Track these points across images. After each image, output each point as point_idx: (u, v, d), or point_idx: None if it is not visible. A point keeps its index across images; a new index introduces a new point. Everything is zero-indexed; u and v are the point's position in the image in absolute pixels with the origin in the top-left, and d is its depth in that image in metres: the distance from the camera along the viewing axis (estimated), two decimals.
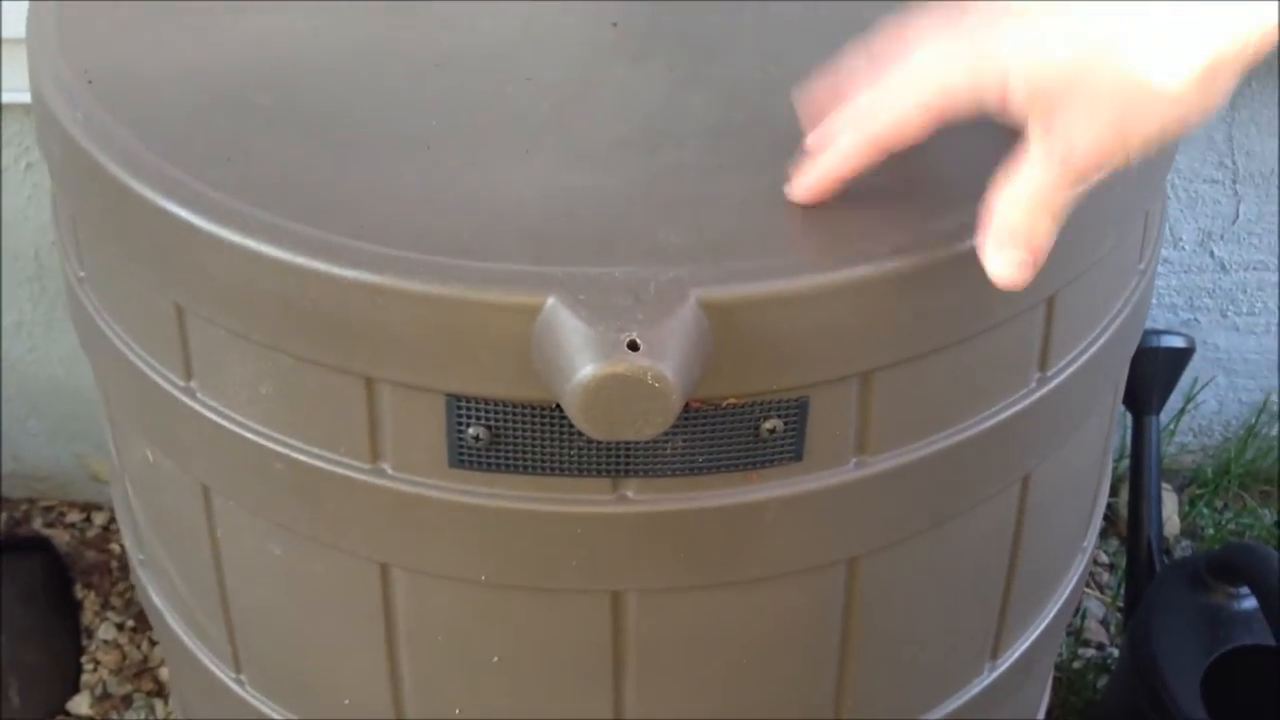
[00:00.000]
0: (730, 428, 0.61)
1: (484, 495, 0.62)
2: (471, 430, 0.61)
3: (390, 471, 0.63)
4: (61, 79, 0.70)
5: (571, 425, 0.59)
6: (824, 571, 0.67)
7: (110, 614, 1.57)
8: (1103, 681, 1.53)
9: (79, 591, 1.57)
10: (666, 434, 0.59)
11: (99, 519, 1.64)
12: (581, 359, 0.54)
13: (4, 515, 1.62)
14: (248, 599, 0.75)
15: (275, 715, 0.78)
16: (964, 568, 0.73)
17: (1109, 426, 0.83)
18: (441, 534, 0.64)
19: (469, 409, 0.60)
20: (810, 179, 0.61)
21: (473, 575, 0.65)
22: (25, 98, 1.25)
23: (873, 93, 0.59)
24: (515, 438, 0.61)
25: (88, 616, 1.56)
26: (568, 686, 0.69)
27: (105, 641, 1.55)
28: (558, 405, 0.58)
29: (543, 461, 0.61)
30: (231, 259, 0.60)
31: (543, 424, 0.60)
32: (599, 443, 0.60)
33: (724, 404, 0.60)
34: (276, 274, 0.59)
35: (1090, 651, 1.58)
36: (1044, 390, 0.68)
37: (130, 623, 1.57)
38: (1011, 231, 0.56)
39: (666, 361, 0.54)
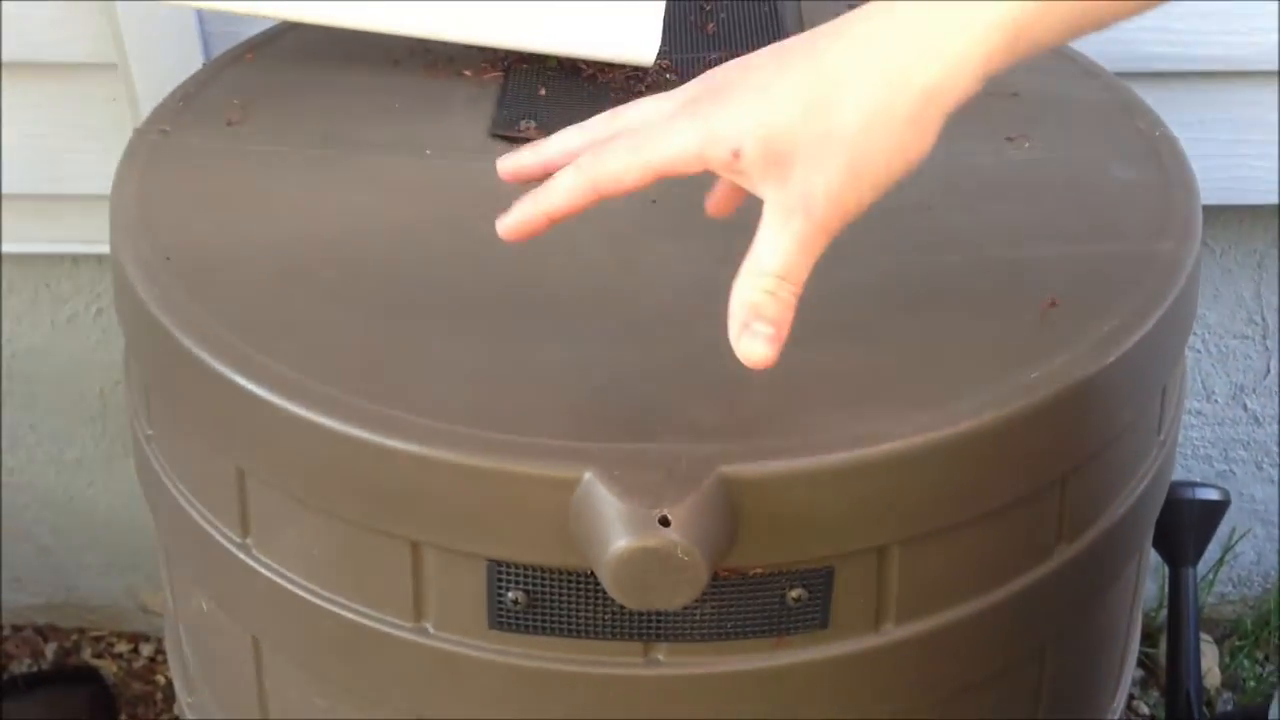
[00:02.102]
0: (757, 596, 0.63)
1: (521, 656, 0.65)
2: (511, 594, 0.64)
3: (432, 631, 0.66)
4: (140, 252, 0.75)
5: (606, 592, 0.62)
6: None
7: None
8: None
9: None
10: (696, 602, 0.62)
11: (146, 650, 1.67)
12: (615, 533, 0.57)
13: (55, 645, 1.66)
14: None
15: None
16: None
17: (1135, 591, 0.85)
18: (479, 692, 0.67)
19: (509, 574, 0.63)
20: (522, 212, 0.61)
21: None
22: (89, 249, 1.33)
23: (604, 149, 0.59)
24: (552, 602, 0.64)
25: None
26: None
27: None
28: (593, 573, 0.61)
29: (578, 625, 0.64)
30: (291, 429, 0.64)
31: (579, 590, 0.63)
32: (632, 609, 0.63)
33: (751, 573, 0.63)
34: (332, 444, 0.64)
35: None
36: (1063, 561, 0.70)
37: None
38: (752, 307, 0.58)
39: (695, 536, 0.57)
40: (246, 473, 0.69)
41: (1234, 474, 1.55)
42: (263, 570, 0.70)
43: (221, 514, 0.72)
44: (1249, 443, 1.53)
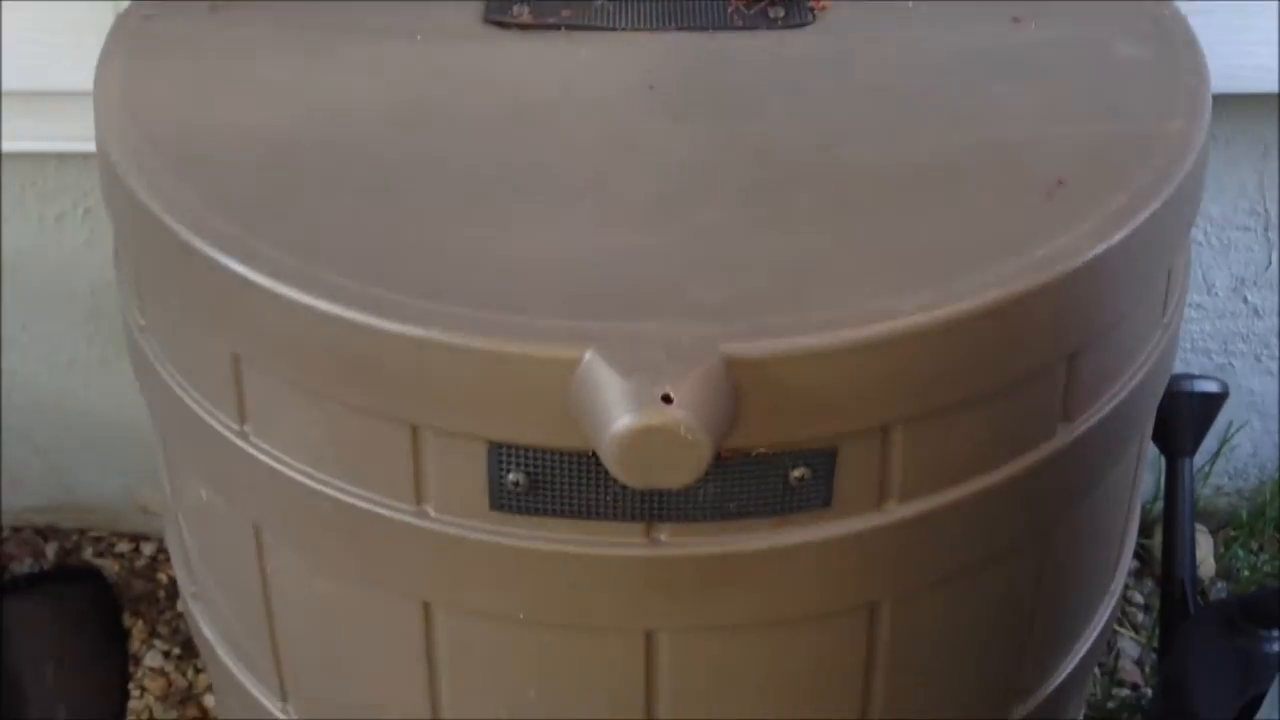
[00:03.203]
0: (760, 476, 0.63)
1: (522, 537, 0.65)
2: (511, 476, 0.63)
3: (433, 514, 0.66)
4: (127, 139, 0.74)
5: (607, 472, 0.62)
6: (850, 615, 0.69)
7: (157, 642, 1.60)
8: None
9: (127, 620, 1.60)
10: (698, 481, 0.62)
11: (147, 549, 1.68)
12: (617, 411, 0.57)
13: (56, 545, 1.67)
14: (295, 632, 0.77)
15: None
16: (989, 613, 0.75)
17: (1135, 476, 0.85)
18: (481, 574, 0.67)
19: (509, 455, 0.63)
20: None
21: (511, 613, 0.68)
22: (74, 146, 1.30)
23: None
24: (553, 483, 0.63)
25: (135, 644, 1.59)
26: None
27: (152, 669, 1.58)
28: (594, 453, 0.61)
29: (580, 506, 0.64)
30: (285, 312, 0.63)
31: (580, 471, 0.63)
32: (634, 489, 0.63)
33: (754, 453, 0.63)
34: (327, 327, 0.63)
35: (1125, 691, 1.58)
36: (1067, 441, 0.70)
37: (176, 651, 1.60)
38: None
39: (698, 414, 0.57)
40: (242, 359, 0.68)
41: (1233, 367, 1.55)
42: (261, 457, 0.70)
43: (218, 402, 0.71)
44: (1248, 335, 1.53)
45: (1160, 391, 0.80)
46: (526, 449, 0.62)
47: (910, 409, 0.63)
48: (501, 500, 0.64)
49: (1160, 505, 1.44)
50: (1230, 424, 1.59)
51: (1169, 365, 0.81)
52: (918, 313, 0.61)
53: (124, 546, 1.68)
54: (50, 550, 1.67)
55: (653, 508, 0.64)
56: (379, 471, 0.66)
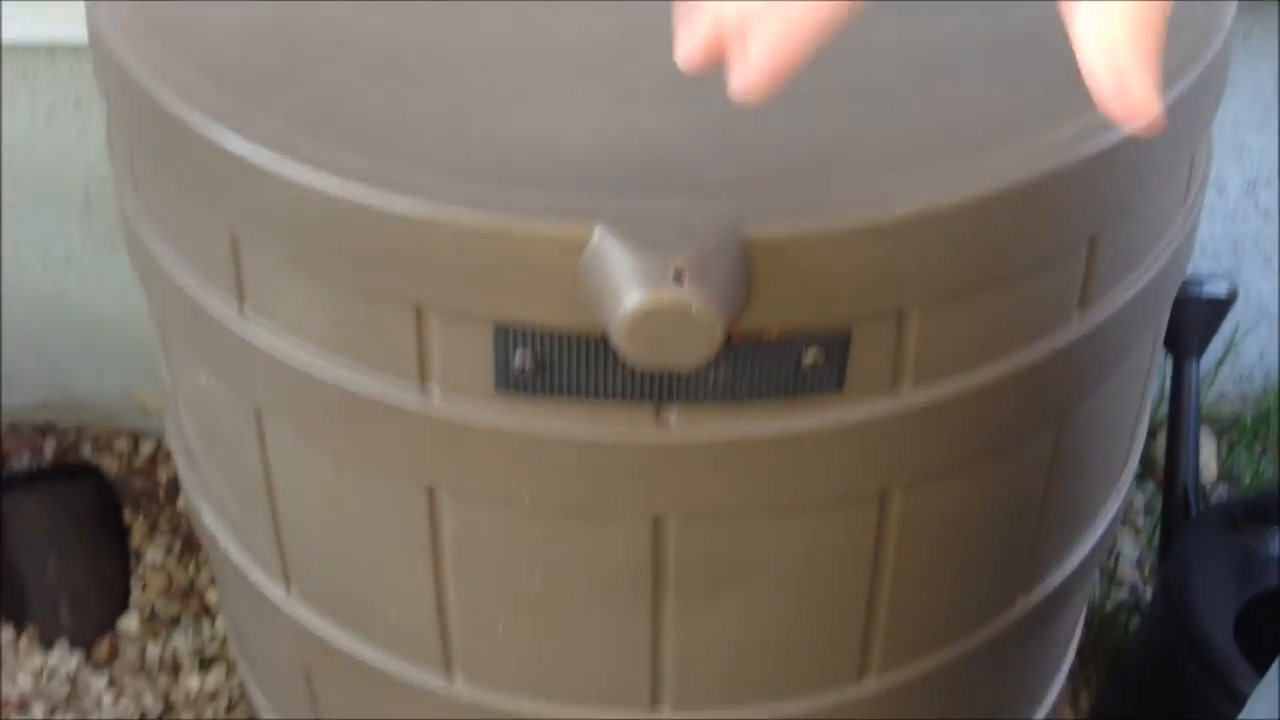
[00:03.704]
0: (772, 359, 0.62)
1: (529, 420, 0.64)
2: (518, 357, 0.62)
3: (438, 396, 0.65)
4: (117, 13, 0.71)
5: (616, 354, 0.61)
6: (860, 502, 0.68)
7: (158, 538, 1.61)
8: (1135, 623, 1.54)
9: (127, 517, 1.60)
10: (710, 364, 0.61)
11: (146, 448, 1.68)
12: (628, 289, 0.55)
13: (54, 443, 1.66)
14: (298, 518, 0.77)
15: (323, 627, 0.81)
16: (999, 503, 0.75)
17: (1149, 369, 0.84)
18: (487, 458, 0.66)
19: (516, 337, 0.61)
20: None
21: (516, 499, 0.67)
22: (64, 38, 1.27)
23: None
24: (561, 364, 0.62)
25: (136, 541, 1.60)
26: (607, 608, 0.71)
27: (153, 565, 1.59)
28: (603, 334, 0.60)
29: (587, 388, 0.62)
30: (283, 190, 0.62)
31: (588, 352, 0.61)
32: (643, 371, 0.61)
33: (766, 336, 0.61)
34: (327, 205, 0.61)
35: (1123, 593, 1.59)
36: (1084, 329, 0.69)
37: (178, 547, 1.61)
38: (1124, 46, 0.40)
39: (711, 293, 0.55)
40: (240, 239, 0.67)
41: (1242, 270, 1.54)
42: (261, 339, 0.68)
43: (216, 283, 0.70)
44: (1259, 239, 1.51)
45: (1178, 282, 0.79)
46: (533, 330, 0.61)
47: (927, 292, 0.62)
48: (508, 382, 0.63)
49: (1163, 409, 1.44)
50: (1237, 327, 1.58)
51: (1187, 255, 0.79)
52: (939, 193, 0.59)
53: (123, 445, 1.67)
54: (48, 448, 1.66)
55: (662, 390, 0.62)
56: (382, 354, 0.65)
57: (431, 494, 0.68)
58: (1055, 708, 1.09)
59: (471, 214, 0.59)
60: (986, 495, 0.73)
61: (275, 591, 0.84)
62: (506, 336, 0.62)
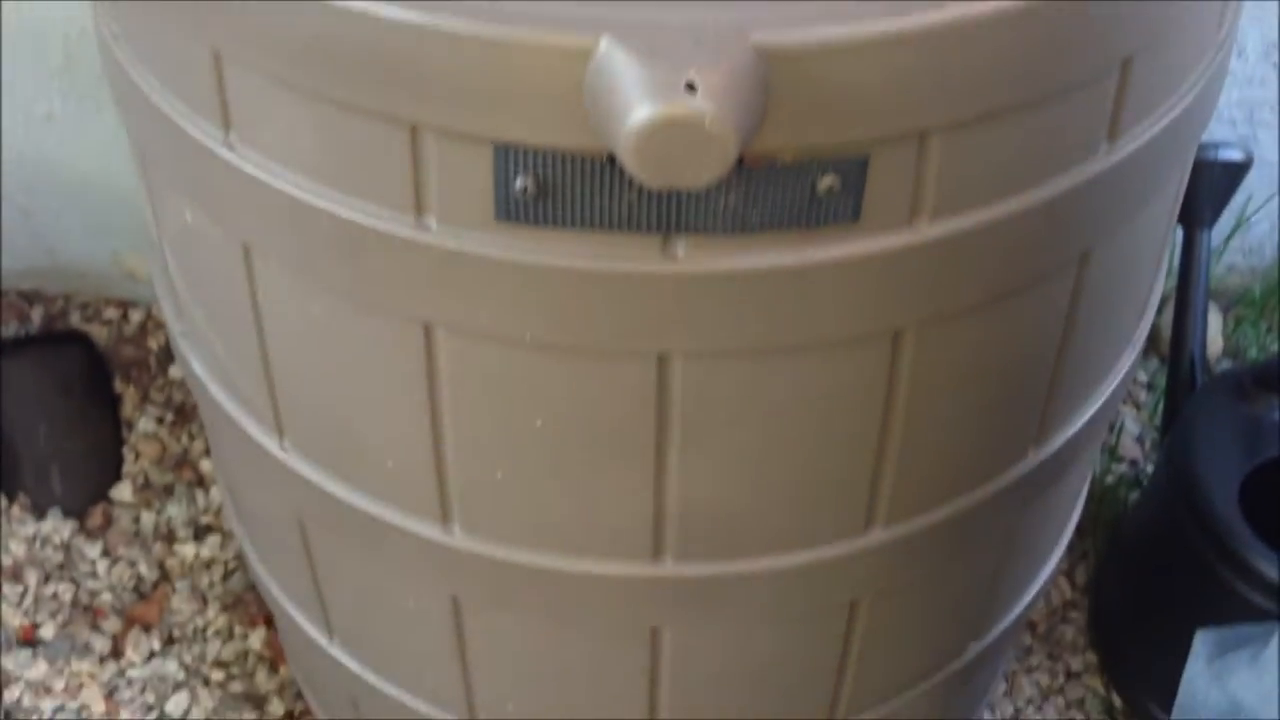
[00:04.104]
0: (786, 185, 0.59)
1: (530, 251, 0.61)
2: (519, 181, 0.59)
3: (434, 226, 0.62)
4: None
5: (622, 177, 0.57)
6: (872, 342, 0.66)
7: (150, 408, 1.59)
8: (1135, 497, 1.53)
9: (118, 385, 1.58)
10: (720, 189, 0.58)
11: (136, 317, 1.65)
12: (637, 100, 0.52)
13: (41, 311, 1.63)
14: (290, 363, 0.74)
15: (318, 478, 0.79)
16: (1015, 348, 0.72)
17: (1170, 216, 0.81)
18: (486, 292, 0.63)
19: (517, 158, 0.58)
20: None
21: (517, 335, 0.64)
22: None
23: None
24: (564, 189, 0.59)
25: (127, 410, 1.58)
26: (610, 452, 0.69)
27: (145, 434, 1.57)
28: (609, 156, 0.56)
29: (592, 215, 0.59)
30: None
31: (593, 175, 0.58)
32: (650, 196, 0.58)
33: (780, 160, 0.58)
34: (316, 14, 0.57)
35: (1123, 467, 1.58)
36: (1111, 161, 0.65)
37: (170, 417, 1.59)
38: None
39: (725, 105, 0.52)
40: (224, 57, 0.63)
41: (1257, 139, 1.50)
42: (248, 167, 0.65)
43: (200, 108, 0.66)
44: (1276, 105, 1.47)
45: (1207, 121, 0.76)
46: (535, 150, 0.58)
47: (950, 114, 0.59)
48: (508, 209, 0.60)
49: (1171, 283, 1.41)
50: (1249, 199, 1.54)
51: (1217, 92, 0.75)
52: (968, 3, 0.56)
53: (112, 313, 1.64)
54: (36, 315, 1.63)
55: (670, 218, 0.59)
56: (376, 180, 0.62)
57: (428, 331, 0.66)
58: (1053, 578, 1.08)
59: (469, 23, 0.55)
60: (1003, 339, 0.70)
61: (269, 443, 0.81)
62: (507, 159, 0.58)
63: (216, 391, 0.84)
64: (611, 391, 0.66)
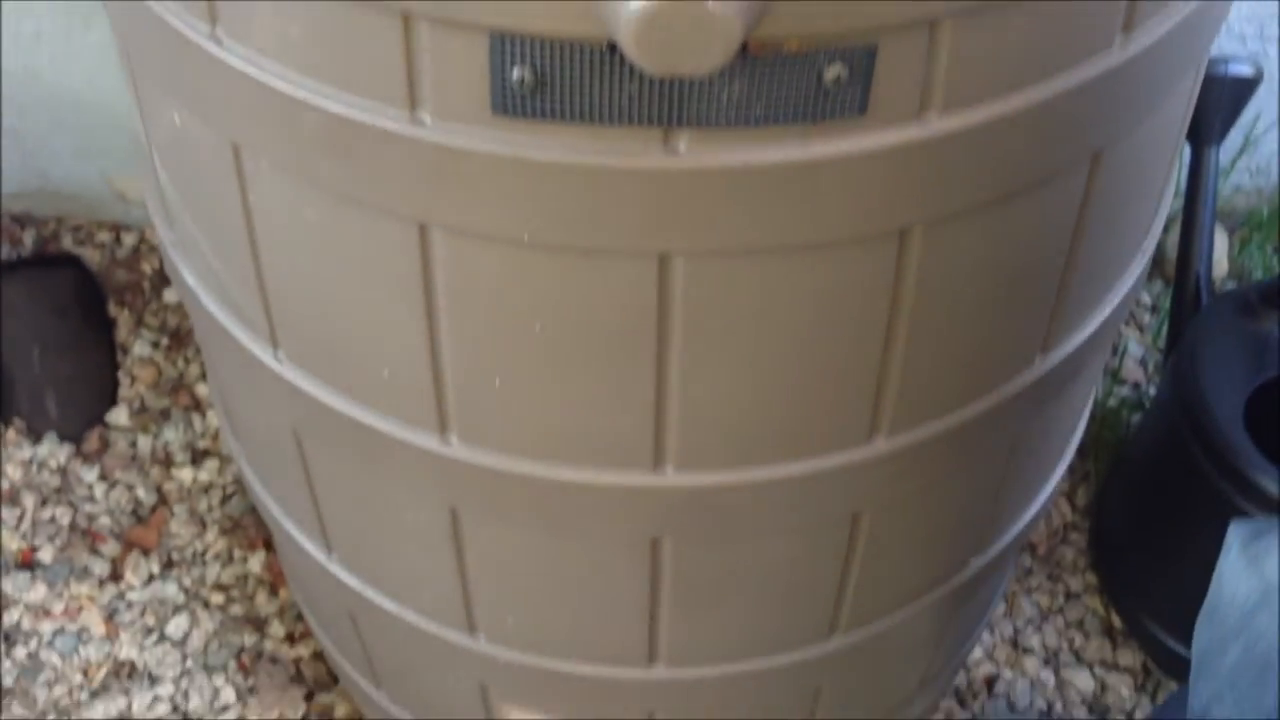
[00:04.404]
0: (791, 75, 0.57)
1: (528, 146, 0.59)
2: (516, 72, 0.57)
3: (429, 121, 0.60)
4: None
5: (623, 66, 0.56)
6: (878, 242, 0.64)
7: (145, 332, 1.57)
8: (1137, 419, 1.53)
9: (112, 310, 1.57)
10: (723, 79, 0.56)
11: (129, 240, 1.63)
12: None
13: (33, 234, 1.61)
14: (283, 269, 0.73)
15: (314, 390, 0.78)
16: (1023, 251, 0.71)
17: (1183, 120, 0.79)
18: (483, 189, 0.61)
19: (514, 48, 0.56)
20: None
21: (515, 235, 0.63)
22: None
23: None
24: (562, 80, 0.57)
25: (122, 334, 1.56)
26: (611, 357, 0.68)
27: (141, 358, 1.56)
28: (609, 44, 0.55)
29: (591, 107, 0.58)
30: None
31: (592, 65, 0.56)
32: (651, 86, 0.56)
33: (786, 49, 0.56)
34: None
35: (1126, 390, 1.57)
36: (1126, 55, 0.63)
37: (165, 341, 1.57)
38: None
39: None
40: None
41: (1267, 55, 1.47)
42: (236, 62, 0.63)
43: (186, 1, 0.64)
44: None
45: (1220, 22, 0.74)
46: (533, 38, 0.56)
47: (962, 1, 0.57)
48: (505, 102, 0.58)
49: (1177, 204, 1.39)
50: (1257, 117, 1.52)
51: None
52: None
53: (104, 236, 1.63)
54: (28, 239, 1.61)
55: (672, 111, 0.58)
56: (368, 73, 0.60)
57: (424, 232, 0.64)
58: (1055, 494, 1.07)
59: None
60: (1012, 241, 0.69)
61: (263, 354, 0.80)
62: (503, 48, 0.56)
63: (210, 303, 0.82)
64: (612, 293, 0.65)
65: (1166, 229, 1.57)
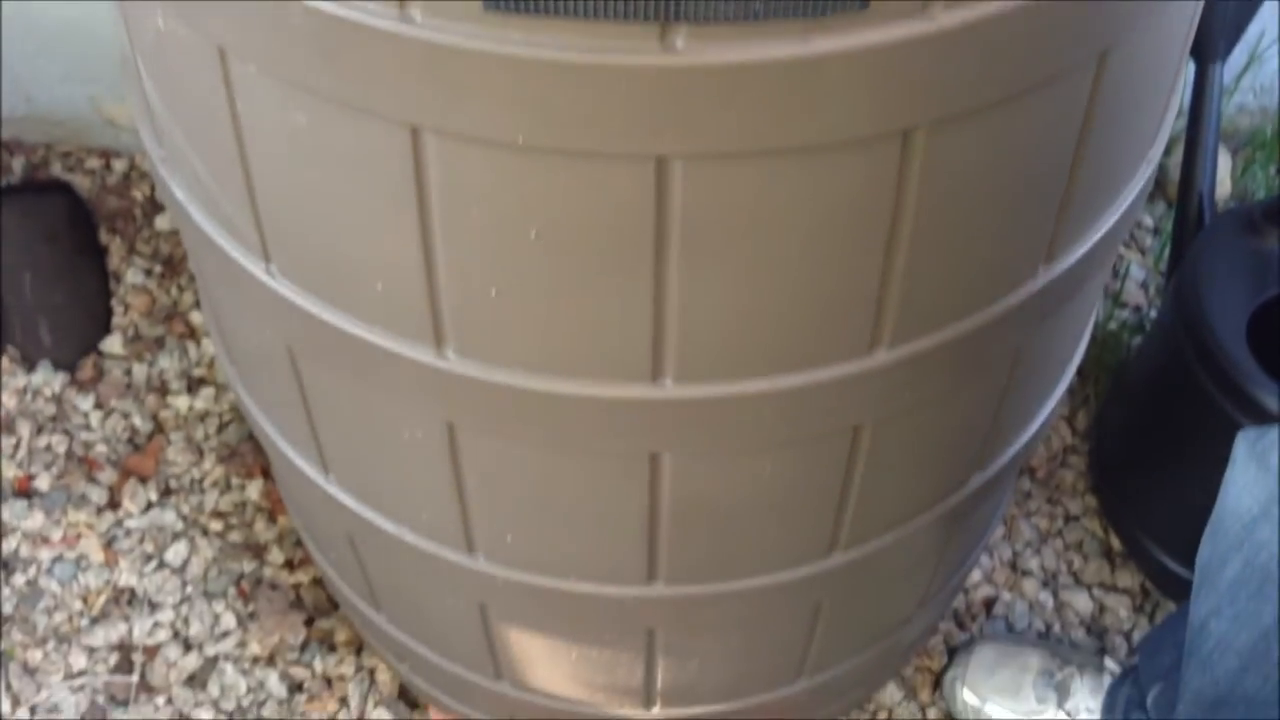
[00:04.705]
0: None
1: (521, 44, 0.58)
2: None
3: (419, 18, 0.58)
4: None
5: None
6: (881, 143, 0.63)
7: (137, 259, 1.56)
8: (1138, 342, 1.52)
9: (104, 237, 1.55)
10: None
11: (119, 166, 1.61)
12: None
13: (22, 160, 1.59)
14: (273, 178, 0.71)
15: (307, 304, 0.77)
16: (1028, 155, 0.69)
17: (1190, 24, 0.77)
18: (475, 90, 0.60)
19: None
20: None
21: (509, 138, 0.61)
22: None
23: None
24: None
25: (114, 262, 1.55)
26: (608, 264, 0.66)
27: (134, 286, 1.54)
28: None
29: (586, 2, 0.56)
30: None
31: None
32: None
33: None
34: None
35: (1126, 313, 1.56)
36: None
37: (159, 269, 1.56)
38: None
39: None
40: None
41: None
42: None
43: None
44: None
45: None
46: None
47: None
48: None
49: (1180, 124, 1.37)
50: (1262, 34, 1.50)
51: None
52: None
53: (94, 162, 1.61)
54: (17, 165, 1.59)
55: (669, 5, 0.56)
56: None
57: (415, 135, 0.63)
58: (1056, 412, 1.06)
59: None
60: (1017, 144, 0.68)
61: (255, 269, 0.79)
62: None
63: (200, 218, 0.81)
64: (608, 198, 0.63)
65: (1169, 150, 1.55)
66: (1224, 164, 1.57)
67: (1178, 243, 1.35)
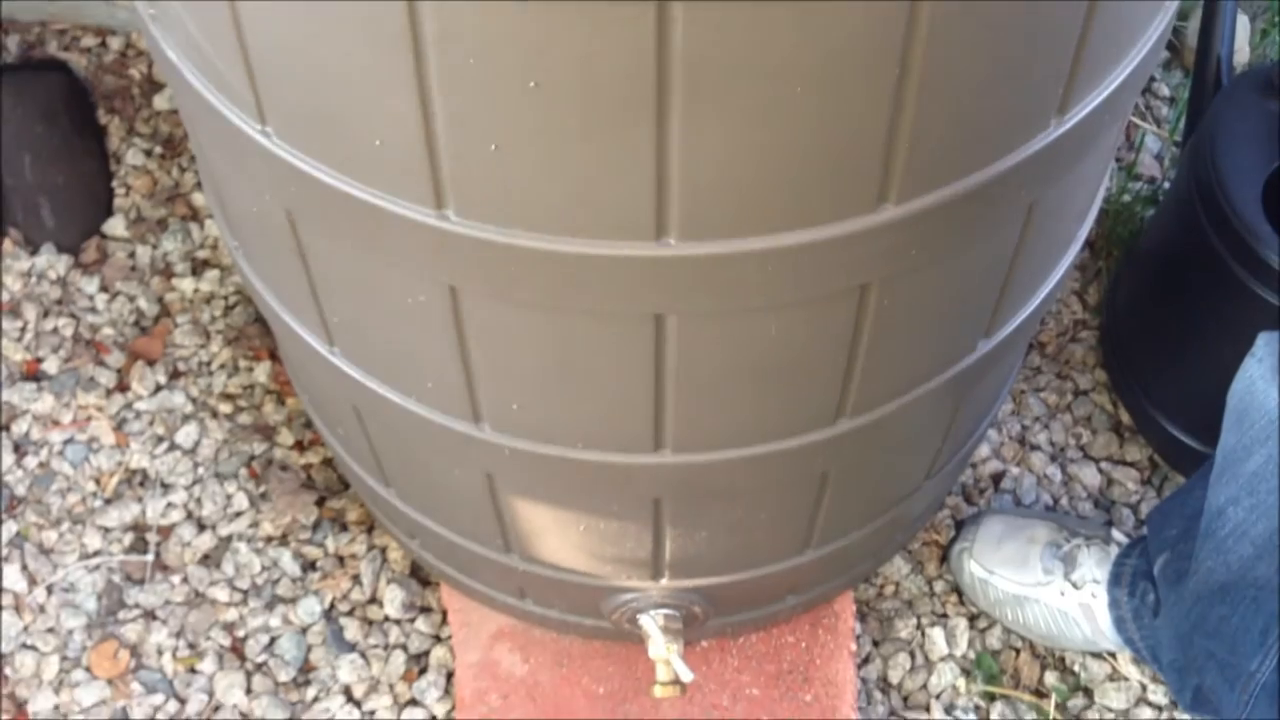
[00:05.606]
0: None
1: None
2: None
3: None
4: None
5: None
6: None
7: (137, 140, 1.54)
8: (1150, 214, 1.50)
9: (102, 116, 1.53)
10: None
11: (115, 44, 1.59)
12: None
13: (17, 39, 1.57)
14: (265, 32, 0.70)
15: (305, 166, 0.75)
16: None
17: None
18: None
19: None
20: None
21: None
22: None
23: None
24: None
25: (114, 143, 1.53)
26: (609, 116, 0.65)
27: (135, 167, 1.53)
28: None
29: None
30: None
31: None
32: None
33: None
34: None
35: (1140, 185, 1.54)
36: None
37: (159, 149, 1.54)
38: None
39: None
40: None
41: None
42: None
43: None
44: None
45: None
46: None
47: None
48: None
49: None
50: None
51: None
52: None
53: (90, 41, 1.58)
54: (12, 44, 1.57)
55: None
56: None
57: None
58: (1066, 278, 1.05)
59: None
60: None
61: (251, 130, 0.77)
62: None
63: (194, 79, 0.79)
64: (609, 46, 0.62)
65: (1186, 16, 1.51)
66: (1243, 29, 1.53)
67: (1194, 110, 1.32)
